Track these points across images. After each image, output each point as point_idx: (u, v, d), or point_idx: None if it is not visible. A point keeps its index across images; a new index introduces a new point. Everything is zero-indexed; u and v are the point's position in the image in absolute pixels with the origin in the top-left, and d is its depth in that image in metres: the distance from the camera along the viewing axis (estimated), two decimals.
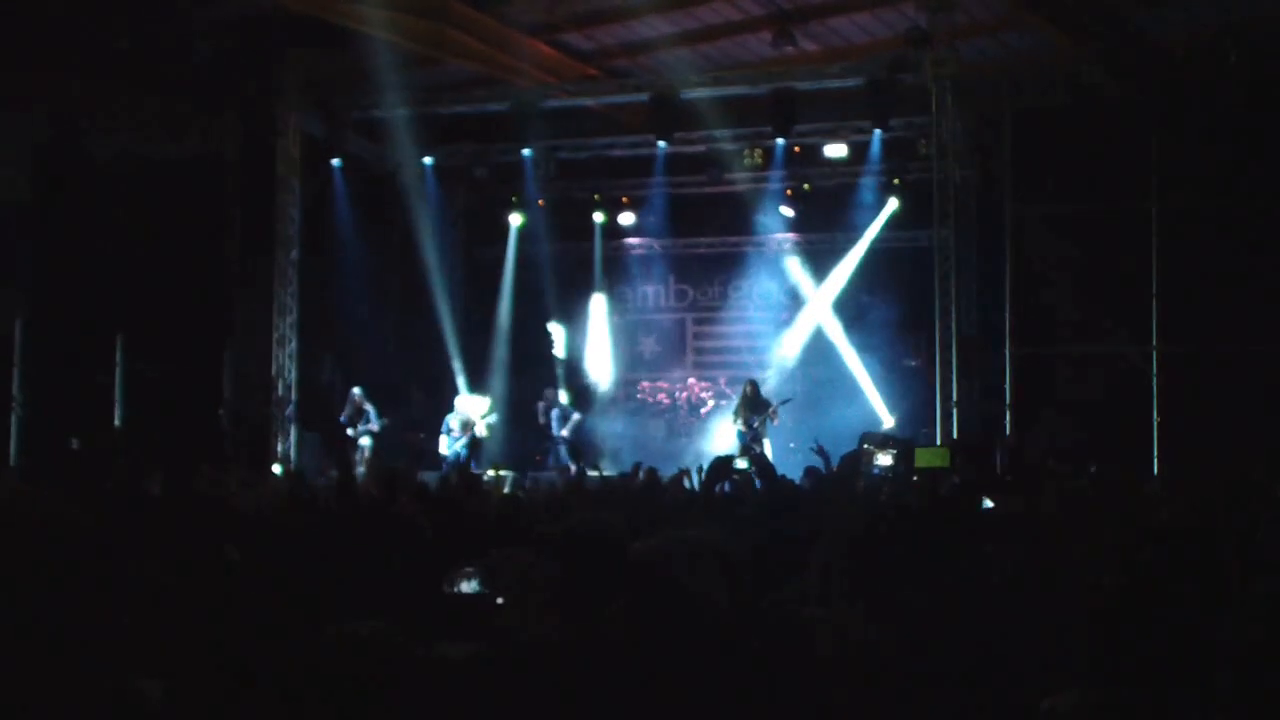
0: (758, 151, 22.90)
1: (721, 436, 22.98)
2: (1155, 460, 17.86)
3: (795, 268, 25.02)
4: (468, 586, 2.80)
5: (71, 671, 2.86)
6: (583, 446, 22.39)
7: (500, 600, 2.48)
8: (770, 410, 21.83)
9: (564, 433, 22.77)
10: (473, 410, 22.71)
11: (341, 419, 21.77)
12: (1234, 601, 2.62)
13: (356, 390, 21.80)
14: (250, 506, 9.36)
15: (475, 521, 6.66)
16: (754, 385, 22.25)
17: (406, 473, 11.80)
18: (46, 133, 20.33)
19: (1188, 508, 4.68)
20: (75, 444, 17.84)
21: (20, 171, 20.30)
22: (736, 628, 3.14)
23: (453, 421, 22.31)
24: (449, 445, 22.01)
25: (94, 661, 2.96)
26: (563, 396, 23.93)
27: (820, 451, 9.75)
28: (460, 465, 20.99)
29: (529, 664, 2.97)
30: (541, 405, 23.36)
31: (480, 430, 22.38)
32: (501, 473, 19.54)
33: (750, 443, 20.97)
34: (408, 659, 3.04)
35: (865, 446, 18.43)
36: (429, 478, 15.14)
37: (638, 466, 16.64)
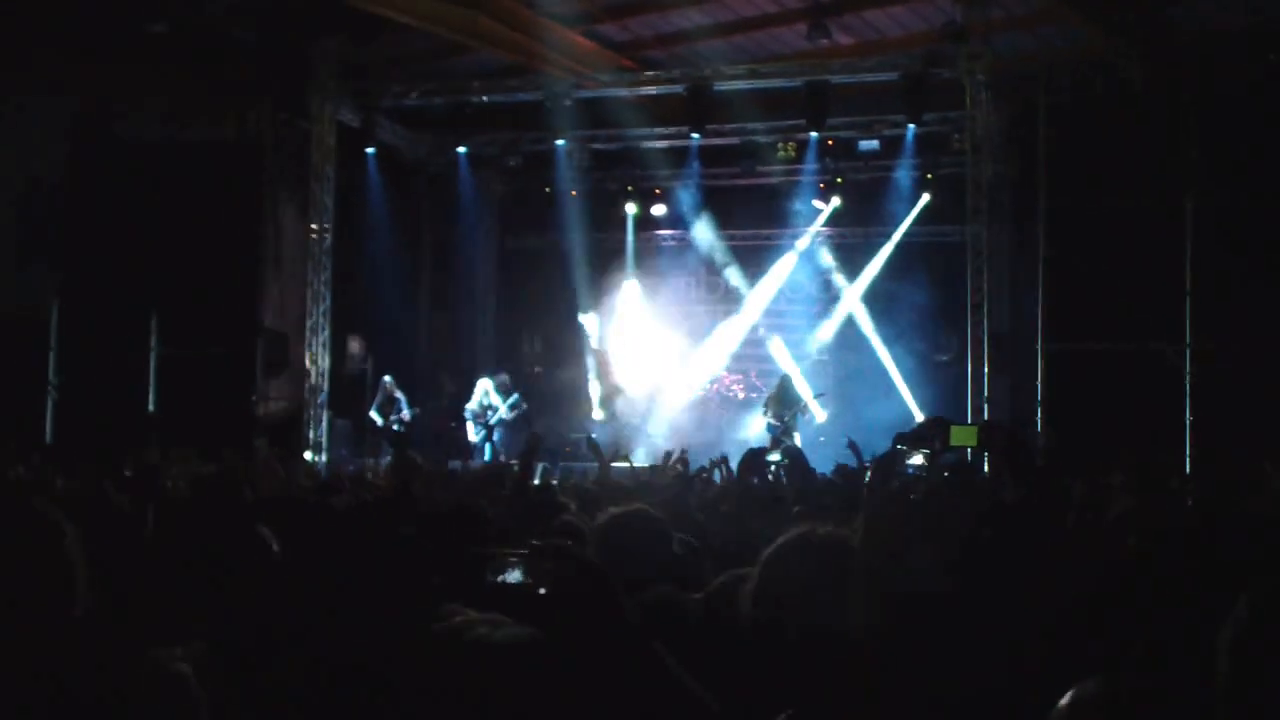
0: (791, 145, 22.91)
1: (753, 429, 22.97)
2: (1188, 457, 17.77)
3: (828, 261, 24.99)
4: (511, 577, 2.80)
5: (107, 653, 2.89)
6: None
7: (543, 590, 2.49)
8: (801, 405, 21.84)
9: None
10: (493, 395, 22.65)
11: (372, 408, 21.86)
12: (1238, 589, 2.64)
13: (387, 378, 21.88)
14: (279, 493, 9.41)
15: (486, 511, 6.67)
16: (786, 380, 22.25)
17: (425, 464, 11.75)
18: (81, 115, 20.47)
19: (1207, 501, 4.67)
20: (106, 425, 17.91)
21: (55, 152, 20.44)
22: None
23: (475, 408, 22.34)
24: (476, 433, 22.05)
25: (128, 643, 3.00)
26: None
27: (852, 446, 9.75)
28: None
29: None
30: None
31: (504, 414, 22.24)
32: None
33: (780, 435, 20.96)
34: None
35: (899, 447, 18.37)
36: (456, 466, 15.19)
37: (668, 456, 16.63)
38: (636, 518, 4.61)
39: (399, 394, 21.69)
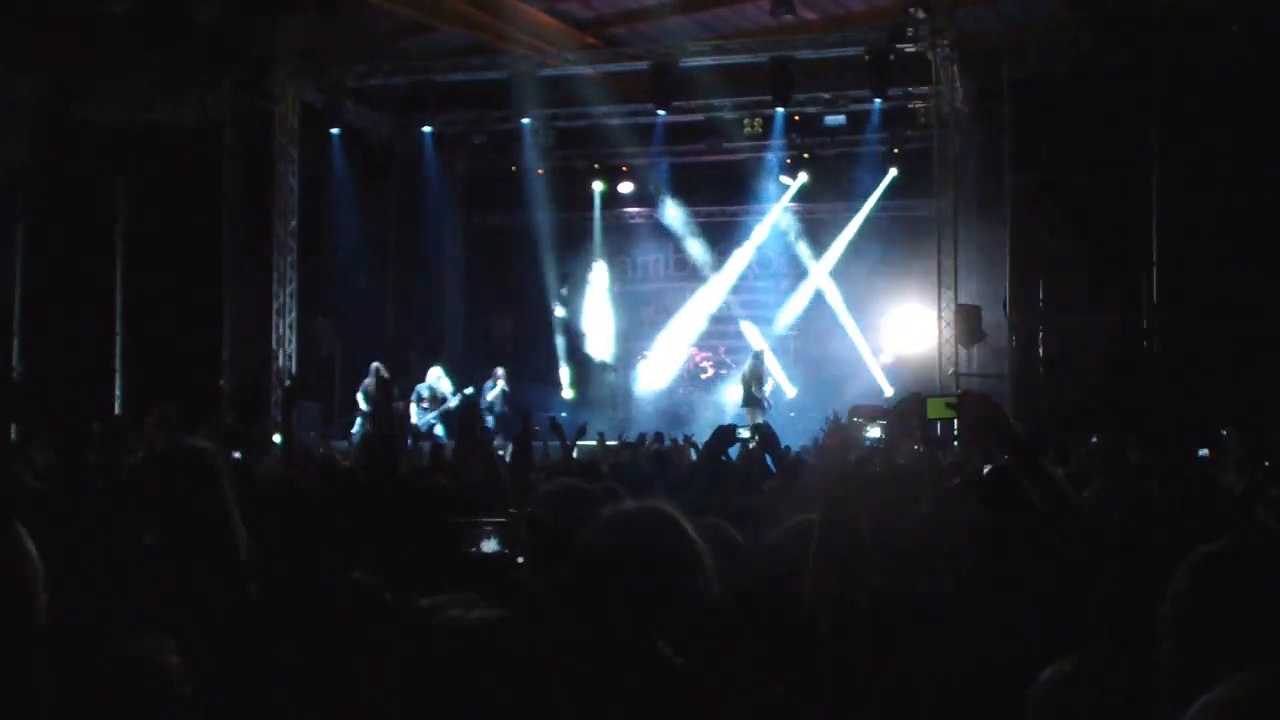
0: (757, 120, 22.89)
1: (722, 405, 22.99)
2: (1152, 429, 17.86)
3: (795, 236, 25.00)
4: (488, 546, 2.78)
5: (91, 643, 2.88)
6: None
7: (520, 559, 2.46)
8: (771, 382, 21.90)
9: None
10: (444, 382, 22.52)
11: (359, 391, 21.73)
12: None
13: (376, 364, 21.79)
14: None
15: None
16: (759, 356, 22.25)
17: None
18: (45, 96, 20.29)
19: (1167, 479, 4.70)
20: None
21: (19, 135, 20.28)
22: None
23: (424, 391, 22.13)
24: (418, 415, 21.75)
25: (110, 633, 2.98)
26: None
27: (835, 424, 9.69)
28: (423, 436, 20.74)
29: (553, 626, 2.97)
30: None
31: (452, 403, 22.03)
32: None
33: (754, 411, 20.97)
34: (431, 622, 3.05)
35: (855, 420, 18.38)
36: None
37: (642, 437, 16.67)
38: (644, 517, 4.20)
39: (440, 386, 21.52)
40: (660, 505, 3.36)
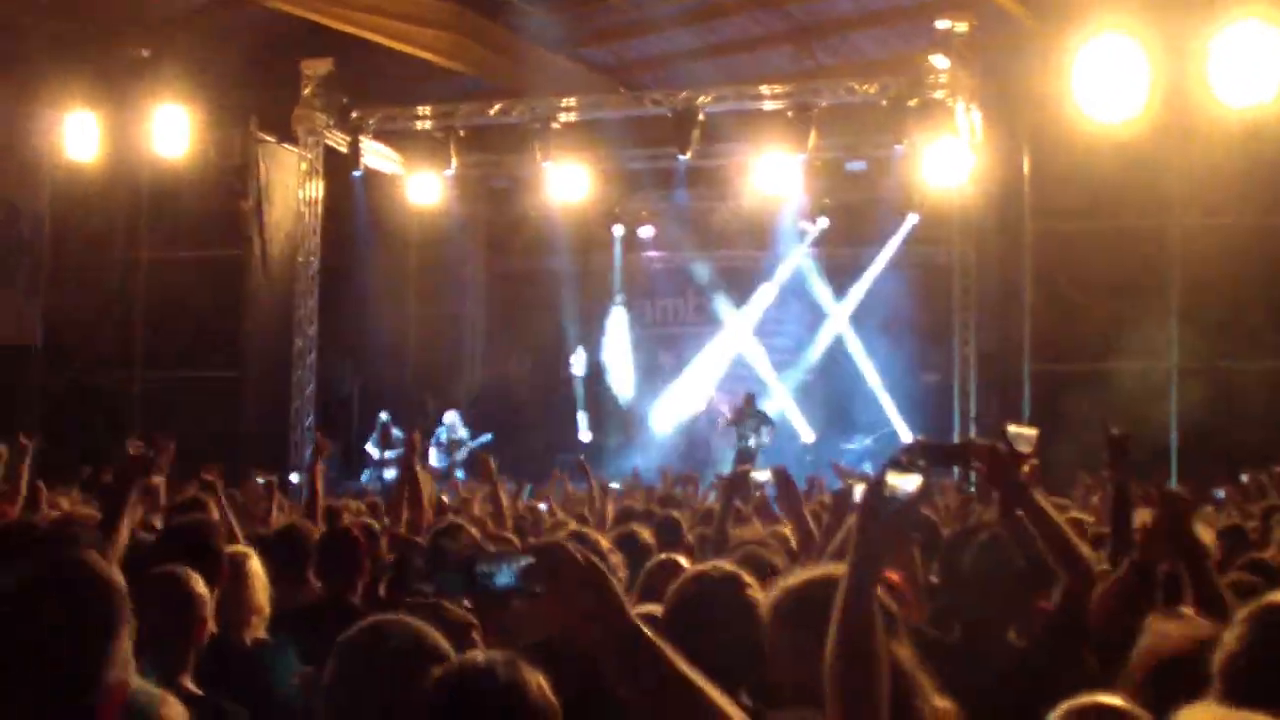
0: (777, 165, 22.92)
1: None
2: (1174, 478, 17.75)
3: (814, 282, 25.00)
4: (501, 579, 2.67)
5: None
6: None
7: (539, 590, 2.36)
8: (765, 421, 21.88)
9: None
10: (458, 426, 22.66)
11: (370, 441, 21.87)
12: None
13: (384, 415, 21.92)
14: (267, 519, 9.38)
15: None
16: (750, 397, 22.25)
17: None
18: (68, 139, 20.47)
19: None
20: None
21: (38, 178, 20.47)
22: None
23: (441, 435, 22.29)
24: (438, 458, 21.85)
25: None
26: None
27: (836, 468, 9.66)
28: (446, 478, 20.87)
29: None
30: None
31: (469, 446, 22.14)
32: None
33: (746, 450, 21.00)
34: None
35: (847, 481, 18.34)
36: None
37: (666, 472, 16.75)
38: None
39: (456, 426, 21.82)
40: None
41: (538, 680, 2.71)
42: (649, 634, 2.32)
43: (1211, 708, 2.35)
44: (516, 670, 2.71)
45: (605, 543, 5.34)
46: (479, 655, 2.84)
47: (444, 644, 3.13)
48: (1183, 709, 2.45)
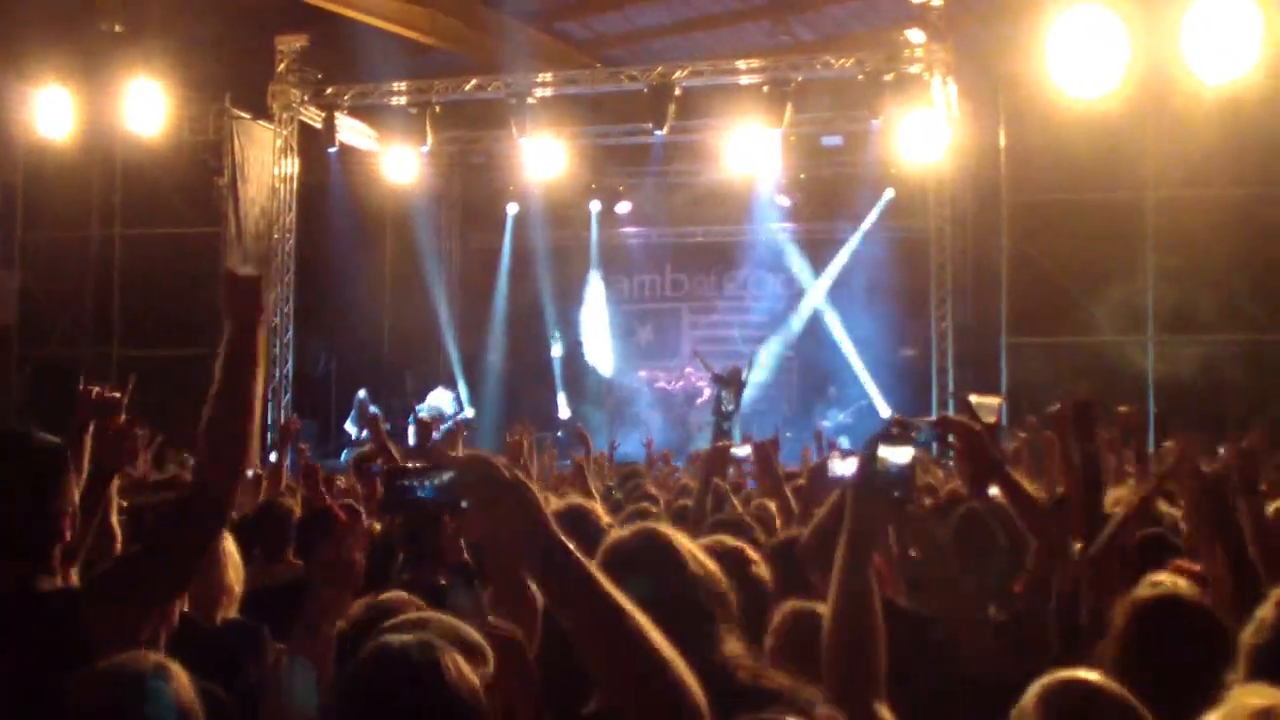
0: (754, 140, 22.89)
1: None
2: (1152, 450, 17.80)
3: (791, 256, 25.02)
4: (422, 493, 2.56)
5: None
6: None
7: (465, 505, 2.29)
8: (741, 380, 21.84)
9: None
10: (444, 403, 22.59)
11: (349, 420, 21.80)
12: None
13: (361, 393, 21.86)
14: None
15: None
16: (736, 369, 22.26)
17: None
18: (41, 115, 20.33)
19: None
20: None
21: (12, 154, 20.34)
22: None
23: (422, 412, 22.19)
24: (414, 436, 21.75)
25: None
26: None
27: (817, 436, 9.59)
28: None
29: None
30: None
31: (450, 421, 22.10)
32: None
33: (721, 421, 21.05)
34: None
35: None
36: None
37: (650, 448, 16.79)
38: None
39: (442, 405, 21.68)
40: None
41: (455, 661, 2.63)
42: (572, 547, 2.29)
43: (1261, 688, 2.35)
44: (433, 652, 2.62)
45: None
46: (395, 639, 2.71)
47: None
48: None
